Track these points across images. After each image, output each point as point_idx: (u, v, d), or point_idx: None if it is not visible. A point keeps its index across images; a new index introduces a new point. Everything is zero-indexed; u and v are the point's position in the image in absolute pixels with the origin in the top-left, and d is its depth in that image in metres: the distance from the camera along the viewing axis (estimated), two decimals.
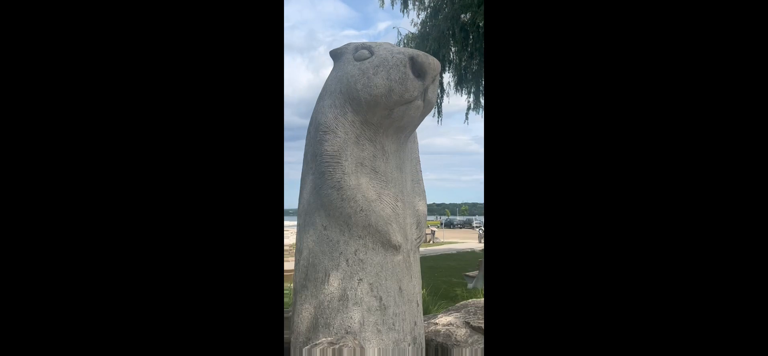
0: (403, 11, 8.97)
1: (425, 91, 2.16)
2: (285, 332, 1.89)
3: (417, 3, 9.00)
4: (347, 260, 2.18)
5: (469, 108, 9.93)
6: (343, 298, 2.16)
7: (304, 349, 2.13)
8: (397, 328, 2.21)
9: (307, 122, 2.44)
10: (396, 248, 2.24)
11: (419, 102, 2.16)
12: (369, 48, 2.24)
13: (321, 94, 2.37)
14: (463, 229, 42.96)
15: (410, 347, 2.28)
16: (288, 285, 4.54)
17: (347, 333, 2.12)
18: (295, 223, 2.50)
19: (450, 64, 9.08)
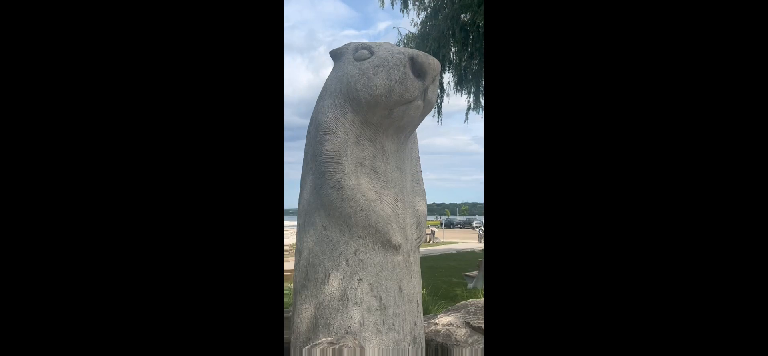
0: (403, 11, 8.97)
1: (425, 91, 2.16)
2: (285, 332, 1.89)
3: (417, 3, 9.00)
4: (347, 260, 2.19)
5: (469, 108, 9.93)
6: (343, 298, 2.16)
7: (304, 349, 2.13)
8: (397, 328, 2.21)
9: (307, 122, 2.44)
10: (396, 248, 2.24)
11: (419, 102, 2.17)
12: (369, 48, 2.24)
13: (321, 94, 2.37)
14: (463, 229, 42.96)
15: (410, 347, 2.28)
16: (288, 285, 4.54)
17: (347, 333, 2.13)
18: (295, 223, 2.50)
19: (450, 64, 9.08)
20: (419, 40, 8.81)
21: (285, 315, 2.14)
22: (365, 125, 2.21)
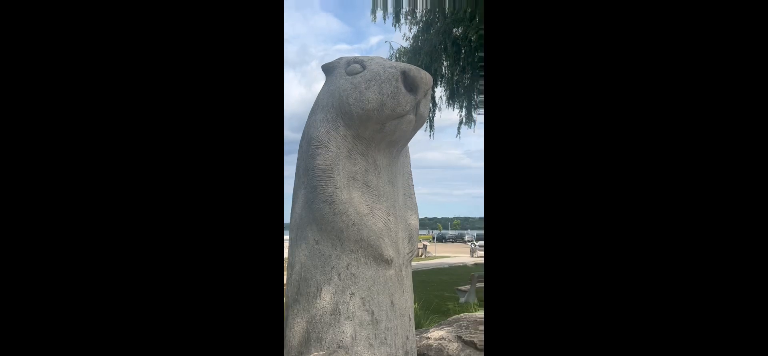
0: (395, 26, 9.03)
1: (417, 105, 2.18)
2: None
3: (409, 17, 9.06)
4: (339, 275, 2.19)
5: (461, 122, 9.98)
6: (335, 312, 2.16)
7: None
8: (389, 342, 2.21)
9: (299, 136, 2.45)
10: (388, 262, 2.24)
11: (411, 116, 2.18)
12: (361, 62, 2.26)
13: (313, 108, 2.38)
14: (455, 243, 42.92)
15: None
16: None
17: (339, 347, 2.12)
18: (287, 237, 2.50)
19: (442, 78, 9.13)
20: (411, 55, 8.87)
21: None
22: (357, 140, 2.22)
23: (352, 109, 2.14)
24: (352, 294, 2.17)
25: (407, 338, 2.34)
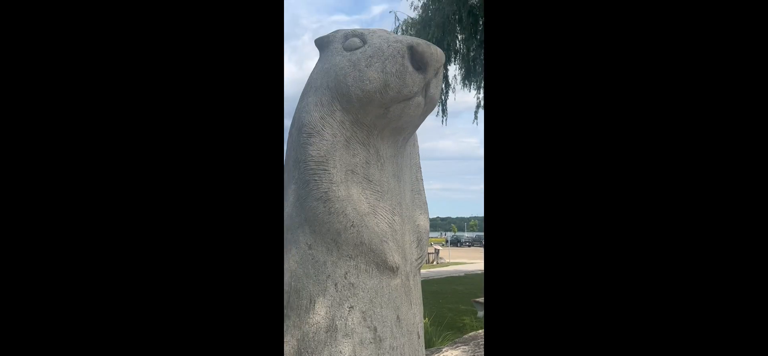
0: None
1: (427, 86, 2.17)
2: None
3: None
4: (336, 285, 2.19)
5: (478, 106, 9.97)
6: (332, 329, 2.16)
7: None
8: None
9: (288, 122, 2.45)
10: (393, 270, 2.24)
11: (420, 99, 2.17)
12: (361, 36, 2.25)
13: (305, 89, 2.38)
14: (472, 247, 42.99)
15: None
16: None
17: None
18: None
19: (456, 54, 9.13)
20: (420, 27, 8.86)
21: None
22: (357, 126, 2.22)
23: (350, 90, 2.14)
24: (351, 307, 2.17)
25: None
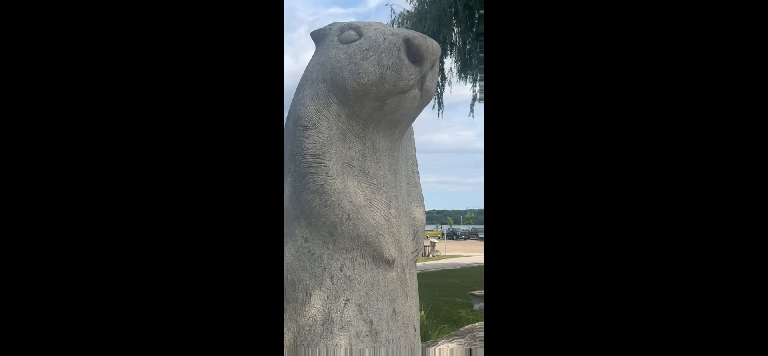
0: None
1: (423, 79, 2.17)
2: None
3: None
4: (332, 278, 2.19)
5: (474, 98, 9.97)
6: (327, 322, 2.16)
7: None
8: None
9: (285, 115, 2.45)
10: (389, 262, 2.25)
11: (416, 92, 2.17)
12: (357, 29, 2.25)
13: (300, 82, 2.37)
14: (468, 240, 43.08)
15: None
16: None
17: None
18: None
19: (452, 47, 9.12)
20: (416, 20, 8.84)
21: None
22: (353, 119, 2.22)
23: (346, 83, 2.14)
24: (347, 300, 2.18)
25: (412, 351, 2.35)
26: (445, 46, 8.84)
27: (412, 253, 2.45)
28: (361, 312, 2.19)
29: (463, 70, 9.58)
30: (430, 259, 22.35)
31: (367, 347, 2.17)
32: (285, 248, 2.28)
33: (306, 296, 2.20)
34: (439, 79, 9.72)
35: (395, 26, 8.71)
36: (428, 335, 4.84)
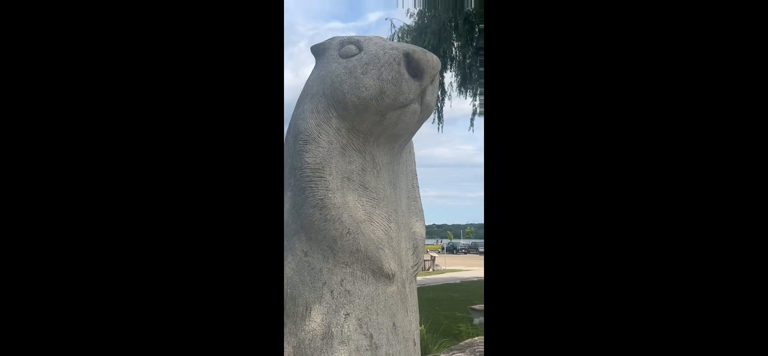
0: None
1: (423, 93, 2.18)
2: None
3: None
4: (332, 292, 2.19)
5: (474, 113, 9.99)
6: (327, 336, 2.16)
7: None
8: None
9: (285, 129, 2.45)
10: (389, 277, 2.24)
11: (416, 106, 2.18)
12: (357, 43, 2.26)
13: (301, 96, 2.38)
14: (468, 254, 43.00)
15: None
16: None
17: None
18: None
19: (452, 61, 9.15)
20: (416, 34, 8.87)
21: None
22: (353, 133, 2.22)
23: (346, 97, 2.14)
24: (347, 314, 2.17)
25: None
26: (445, 61, 8.87)
27: (412, 267, 2.44)
28: (361, 327, 2.18)
29: (463, 85, 9.61)
30: (430, 273, 22.30)
31: None
32: (285, 263, 2.28)
33: (306, 310, 2.19)
34: (439, 93, 9.74)
35: (395, 41, 8.74)
36: (428, 349, 4.82)
